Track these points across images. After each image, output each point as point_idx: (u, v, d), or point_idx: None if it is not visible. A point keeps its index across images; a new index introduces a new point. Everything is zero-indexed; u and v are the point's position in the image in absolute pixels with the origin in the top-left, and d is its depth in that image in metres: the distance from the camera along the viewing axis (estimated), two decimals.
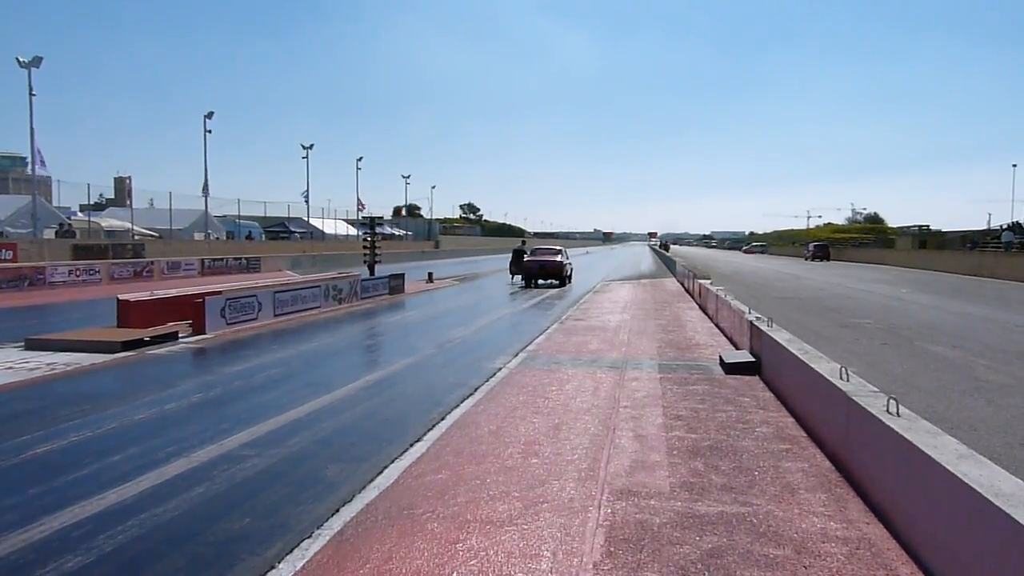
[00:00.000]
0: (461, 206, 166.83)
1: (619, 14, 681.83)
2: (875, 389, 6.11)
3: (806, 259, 71.36)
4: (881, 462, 5.18)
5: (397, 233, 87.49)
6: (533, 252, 33.10)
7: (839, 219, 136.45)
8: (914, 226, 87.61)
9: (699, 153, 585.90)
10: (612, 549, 4.61)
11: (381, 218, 32.92)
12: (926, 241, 67.84)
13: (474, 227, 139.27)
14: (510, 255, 35.04)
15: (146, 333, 13.62)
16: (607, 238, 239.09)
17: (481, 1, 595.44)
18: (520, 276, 31.92)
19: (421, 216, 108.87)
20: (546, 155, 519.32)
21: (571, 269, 33.61)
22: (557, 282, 31.02)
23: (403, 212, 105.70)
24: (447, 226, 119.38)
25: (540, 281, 31.19)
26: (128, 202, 57.97)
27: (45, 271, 28.57)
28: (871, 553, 4.53)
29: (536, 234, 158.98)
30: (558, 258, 31.28)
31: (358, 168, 73.06)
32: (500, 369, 11.30)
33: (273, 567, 4.56)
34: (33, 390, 9.79)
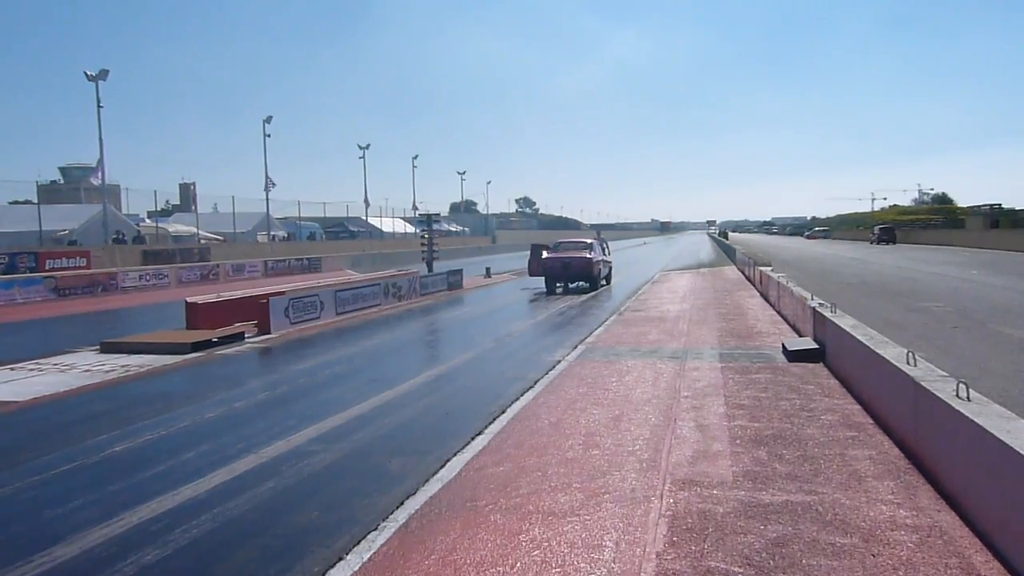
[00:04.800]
0: (517, 200, 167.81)
1: (667, 7, 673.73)
2: (944, 373, 5.95)
3: (871, 243, 69.38)
4: (952, 448, 5.04)
5: (454, 229, 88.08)
6: (556, 247, 26.13)
7: (905, 201, 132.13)
8: (985, 205, 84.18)
9: (758, 138, 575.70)
10: (675, 539, 4.59)
11: (438, 215, 33.39)
12: (998, 220, 65.35)
13: (530, 221, 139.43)
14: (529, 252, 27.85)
15: (214, 334, 14.02)
16: (665, 228, 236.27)
17: (532, 0, 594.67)
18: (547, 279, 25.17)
19: (477, 211, 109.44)
20: (601, 147, 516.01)
21: (609, 268, 27.57)
22: (587, 284, 25.01)
23: (460, 208, 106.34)
24: (503, 220, 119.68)
25: (570, 285, 25.13)
26: (193, 207, 59.52)
27: (117, 276, 29.63)
28: (943, 541, 4.43)
29: (592, 226, 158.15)
30: (586, 254, 24.79)
31: (414, 166, 74.01)
32: (559, 362, 11.31)
33: (341, 558, 4.67)
34: (109, 391, 10.18)
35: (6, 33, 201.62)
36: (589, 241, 26.77)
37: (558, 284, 24.99)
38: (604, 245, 28.35)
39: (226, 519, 5.41)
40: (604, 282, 26.44)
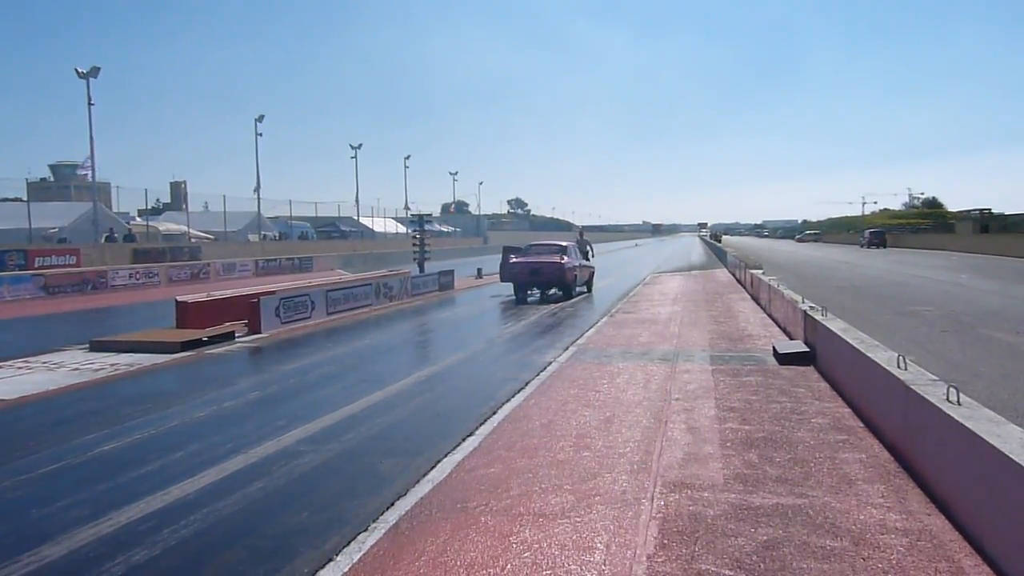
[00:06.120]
0: (509, 201, 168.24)
1: (659, 12, 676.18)
2: (934, 377, 5.97)
3: (862, 246, 69.70)
4: (942, 452, 5.06)
5: (446, 230, 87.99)
6: (527, 250, 23.35)
7: (895, 205, 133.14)
8: (975, 210, 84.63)
9: (748, 142, 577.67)
10: (666, 541, 4.59)
11: (430, 215, 33.12)
12: (988, 225, 65.77)
13: (522, 222, 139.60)
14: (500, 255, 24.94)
15: (204, 333, 13.95)
16: (656, 230, 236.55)
17: (524, 5, 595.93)
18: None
19: (469, 212, 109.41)
20: (593, 149, 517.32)
21: (590, 273, 25.07)
22: (560, 292, 22.38)
23: (451, 209, 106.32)
24: (495, 221, 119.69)
25: (548, 292, 22.63)
26: (184, 206, 59.46)
27: (107, 275, 29.46)
28: (932, 545, 4.44)
29: (584, 227, 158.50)
30: (558, 258, 21.92)
31: (406, 166, 73.90)
32: (550, 363, 11.30)
33: (331, 559, 4.65)
34: (98, 390, 10.11)
35: None
36: (564, 244, 23.71)
37: (530, 292, 22.54)
38: (588, 248, 26.77)
39: (215, 519, 5.38)
40: (584, 289, 24.23)
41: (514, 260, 22.51)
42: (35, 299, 25.30)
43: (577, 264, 23.08)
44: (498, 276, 24.57)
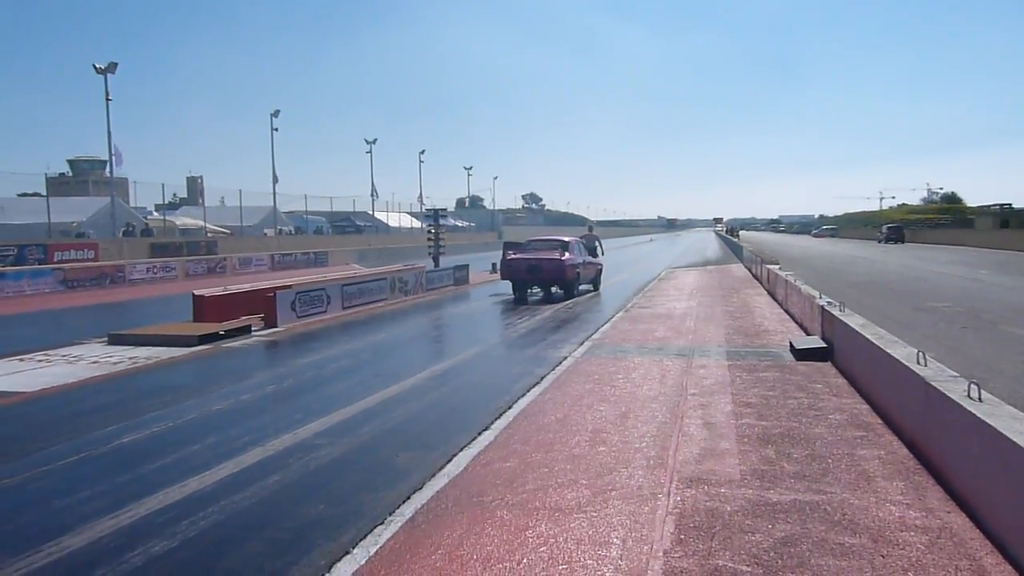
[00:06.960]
0: (523, 196, 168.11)
1: (674, 7, 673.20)
2: (955, 374, 5.91)
3: (879, 242, 69.06)
4: (962, 449, 5.01)
5: (460, 224, 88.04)
6: (526, 246, 22.46)
7: (914, 200, 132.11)
8: (995, 205, 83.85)
9: (765, 136, 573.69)
10: (682, 536, 4.57)
11: (444, 210, 33.07)
12: (1008, 220, 65.08)
13: (536, 217, 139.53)
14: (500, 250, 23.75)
15: (221, 327, 14.03)
16: (671, 225, 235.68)
17: (540, 1, 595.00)
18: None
19: (484, 207, 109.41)
20: (607, 144, 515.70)
21: (597, 271, 23.72)
22: (562, 291, 21.10)
23: (466, 203, 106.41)
24: (509, 216, 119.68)
25: (552, 291, 21.49)
26: (200, 201, 60.02)
27: (125, 269, 29.70)
28: (953, 543, 4.39)
29: (599, 222, 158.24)
30: (558, 255, 20.67)
31: (421, 161, 73.96)
32: (566, 358, 11.29)
33: (348, 552, 4.66)
34: (117, 383, 10.20)
35: (15, 26, 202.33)
36: (566, 240, 22.46)
37: (531, 290, 21.39)
38: (597, 244, 25.72)
39: (233, 511, 5.42)
40: (591, 288, 23.02)
41: (512, 256, 21.33)
42: (54, 293, 25.53)
43: (580, 261, 21.80)
44: None
